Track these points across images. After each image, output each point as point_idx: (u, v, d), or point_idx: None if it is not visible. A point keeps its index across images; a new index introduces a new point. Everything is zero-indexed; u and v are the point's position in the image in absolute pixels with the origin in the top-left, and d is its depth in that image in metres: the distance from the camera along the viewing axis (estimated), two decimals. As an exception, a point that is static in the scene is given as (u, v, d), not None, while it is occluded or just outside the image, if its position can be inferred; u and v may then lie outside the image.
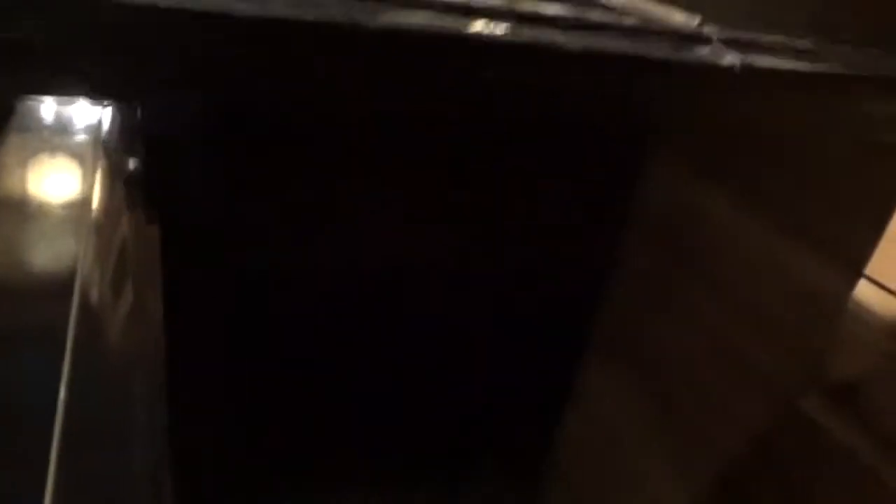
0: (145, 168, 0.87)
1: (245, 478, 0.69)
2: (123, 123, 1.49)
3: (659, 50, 0.56)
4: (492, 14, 0.52)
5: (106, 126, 1.63)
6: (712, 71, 0.57)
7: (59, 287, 0.98)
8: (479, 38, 0.50)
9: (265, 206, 0.61)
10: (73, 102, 1.81)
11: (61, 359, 0.80)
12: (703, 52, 0.57)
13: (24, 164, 1.53)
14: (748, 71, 0.56)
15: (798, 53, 0.59)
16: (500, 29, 0.52)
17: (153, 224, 0.98)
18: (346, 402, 0.70)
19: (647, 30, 0.59)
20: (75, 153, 1.56)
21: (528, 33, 0.53)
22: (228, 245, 0.61)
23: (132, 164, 1.28)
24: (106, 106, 1.70)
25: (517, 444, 0.78)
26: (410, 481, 0.75)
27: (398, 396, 0.71)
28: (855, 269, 0.53)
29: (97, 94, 1.47)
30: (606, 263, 0.67)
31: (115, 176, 1.39)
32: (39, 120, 1.69)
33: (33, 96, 1.77)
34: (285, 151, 0.59)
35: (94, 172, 1.40)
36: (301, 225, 0.62)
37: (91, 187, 1.37)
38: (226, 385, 0.65)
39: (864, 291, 0.54)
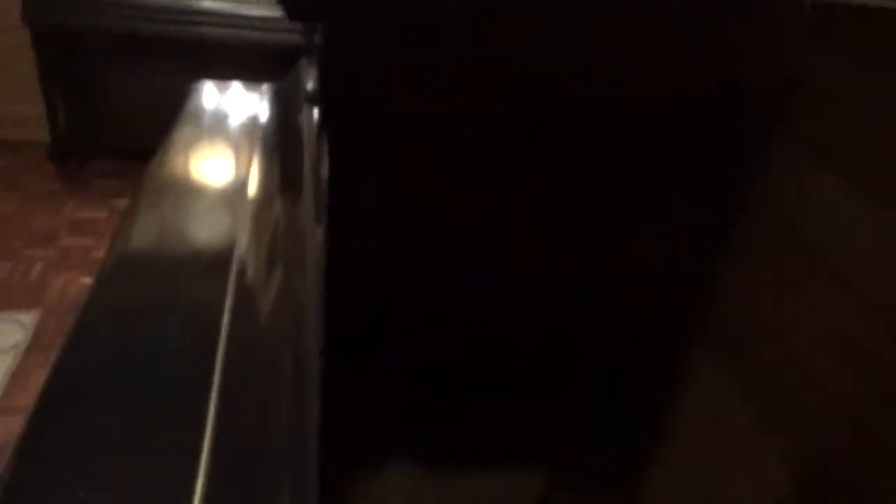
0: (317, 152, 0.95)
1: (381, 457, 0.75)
2: (285, 110, 1.62)
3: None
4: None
5: (265, 112, 1.78)
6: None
7: (217, 263, 1.11)
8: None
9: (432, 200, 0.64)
10: (235, 89, 1.98)
11: (218, 327, 0.93)
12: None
13: (187, 148, 1.69)
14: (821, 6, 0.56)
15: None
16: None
17: (306, 209, 1.07)
18: (471, 390, 0.74)
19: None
20: (235, 138, 1.72)
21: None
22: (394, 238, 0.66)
23: (289, 148, 1.40)
24: (266, 92, 1.85)
25: (623, 427, 0.80)
26: (516, 463, 0.81)
27: (514, 381, 0.74)
28: None
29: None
30: (718, 248, 0.67)
31: (271, 161, 1.52)
32: (202, 106, 1.87)
33: (199, 82, 1.93)
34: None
35: (251, 157, 1.55)
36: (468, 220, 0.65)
37: (248, 172, 1.51)
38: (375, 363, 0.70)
39: None
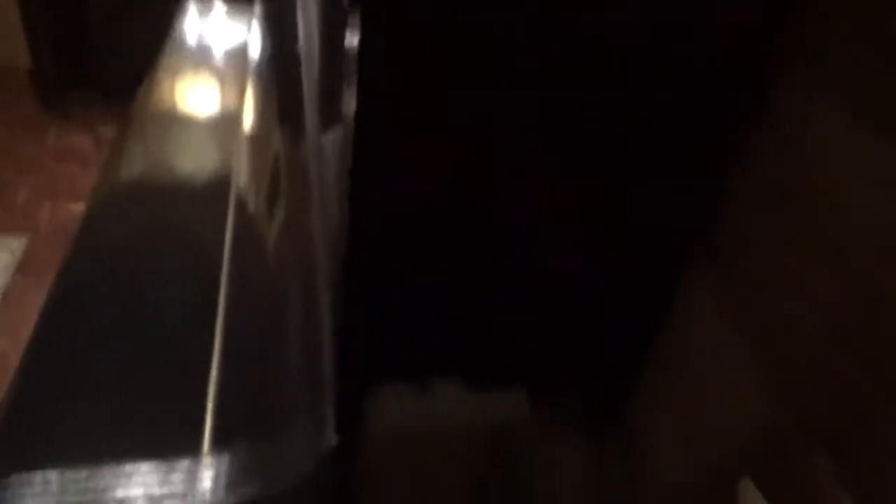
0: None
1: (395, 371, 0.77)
2: (280, 34, 1.59)
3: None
4: None
5: (258, 35, 1.74)
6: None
7: (214, 194, 1.10)
8: None
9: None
10: (224, 10, 1.91)
11: (220, 258, 0.93)
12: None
13: (177, 76, 1.66)
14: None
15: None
16: None
17: (306, 140, 1.06)
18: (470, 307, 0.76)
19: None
20: (226, 66, 1.68)
21: None
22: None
23: (286, 77, 1.37)
24: (258, 13, 1.79)
25: (612, 354, 0.84)
26: (512, 379, 0.84)
27: (510, 301, 0.76)
28: None
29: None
30: (717, 181, 0.70)
31: (267, 89, 1.49)
32: (191, 31, 1.82)
33: (186, 2, 1.85)
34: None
35: (245, 85, 1.52)
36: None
37: (242, 101, 1.48)
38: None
39: None
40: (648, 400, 0.86)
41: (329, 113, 0.80)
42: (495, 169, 0.66)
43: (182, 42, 1.71)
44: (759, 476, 0.66)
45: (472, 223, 0.69)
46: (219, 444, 0.65)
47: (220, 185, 1.12)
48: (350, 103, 0.57)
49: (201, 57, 1.63)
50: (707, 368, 0.74)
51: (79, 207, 2.33)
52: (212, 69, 1.56)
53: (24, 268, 2.06)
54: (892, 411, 0.52)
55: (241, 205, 1.08)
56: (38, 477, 0.64)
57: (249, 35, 1.70)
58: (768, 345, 0.66)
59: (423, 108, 0.60)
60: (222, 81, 1.50)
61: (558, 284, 0.76)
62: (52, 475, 0.64)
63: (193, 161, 1.26)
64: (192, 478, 0.61)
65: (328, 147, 0.77)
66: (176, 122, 1.37)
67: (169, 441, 0.66)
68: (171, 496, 0.60)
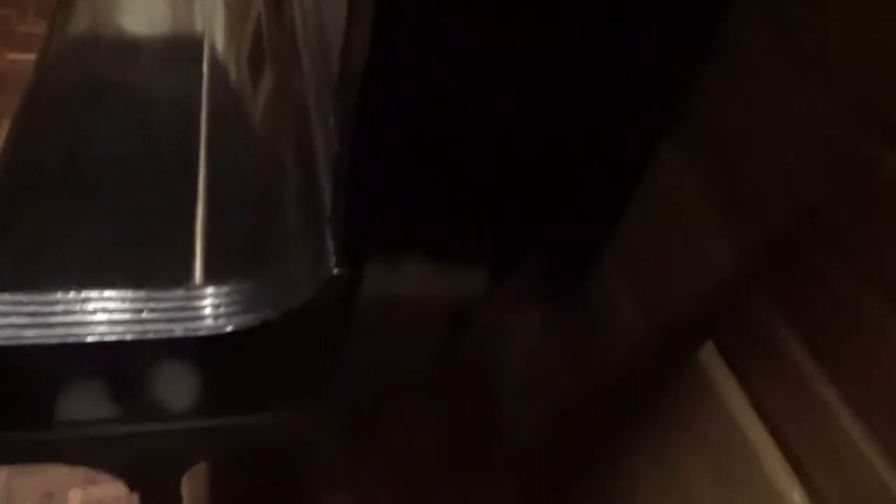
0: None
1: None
2: None
3: None
4: None
5: None
6: None
7: (189, 59, 1.02)
8: None
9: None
10: None
11: (198, 124, 0.87)
12: None
13: None
14: None
15: None
16: None
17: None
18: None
19: None
20: None
21: None
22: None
23: None
24: None
25: (578, 227, 0.86)
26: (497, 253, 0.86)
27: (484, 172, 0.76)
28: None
29: None
30: (699, 42, 0.70)
31: None
32: None
33: None
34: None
35: None
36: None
37: None
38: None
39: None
40: (612, 269, 0.89)
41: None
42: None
43: None
44: (721, 341, 0.70)
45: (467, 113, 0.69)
46: (212, 272, 0.65)
47: (191, 45, 1.06)
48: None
49: None
50: (675, 237, 0.77)
51: (15, 56, 2.19)
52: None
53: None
54: (854, 281, 0.56)
55: (216, 50, 1.03)
56: (23, 297, 0.63)
57: None
58: (739, 214, 0.69)
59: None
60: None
61: (530, 159, 0.77)
62: (39, 297, 0.63)
63: (156, 16, 1.18)
64: (187, 304, 0.62)
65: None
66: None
67: (159, 272, 0.66)
68: (162, 321, 0.61)
